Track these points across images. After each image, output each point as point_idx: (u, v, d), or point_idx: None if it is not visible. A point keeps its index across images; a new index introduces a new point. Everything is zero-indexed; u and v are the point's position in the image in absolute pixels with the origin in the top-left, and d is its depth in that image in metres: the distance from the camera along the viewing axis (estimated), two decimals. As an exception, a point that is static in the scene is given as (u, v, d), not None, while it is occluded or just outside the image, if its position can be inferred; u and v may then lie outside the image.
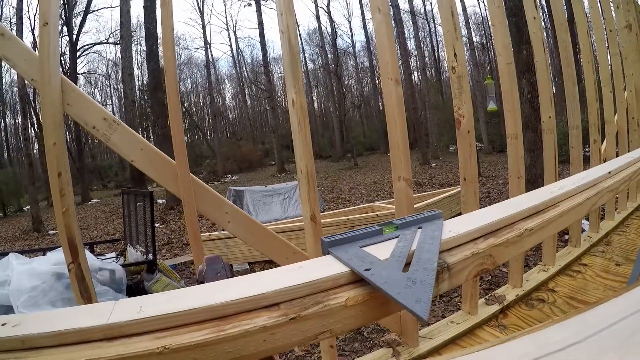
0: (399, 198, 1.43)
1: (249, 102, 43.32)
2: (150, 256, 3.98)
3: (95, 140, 28.80)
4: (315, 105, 41.82)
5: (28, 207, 15.06)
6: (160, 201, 12.81)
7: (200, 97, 42.74)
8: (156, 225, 4.18)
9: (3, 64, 21.80)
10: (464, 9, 28.67)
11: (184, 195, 1.34)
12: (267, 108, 31.88)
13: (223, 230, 3.69)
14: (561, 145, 2.26)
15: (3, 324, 0.50)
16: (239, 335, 0.48)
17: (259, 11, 26.49)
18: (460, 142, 1.68)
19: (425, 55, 33.34)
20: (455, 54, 1.64)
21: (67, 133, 23.23)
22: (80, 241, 1.37)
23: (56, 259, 3.41)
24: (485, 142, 21.33)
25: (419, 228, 0.74)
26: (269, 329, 0.48)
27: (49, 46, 1.29)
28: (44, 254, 3.85)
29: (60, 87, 1.32)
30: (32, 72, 1.33)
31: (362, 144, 31.10)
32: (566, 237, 2.97)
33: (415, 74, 31.63)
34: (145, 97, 26.59)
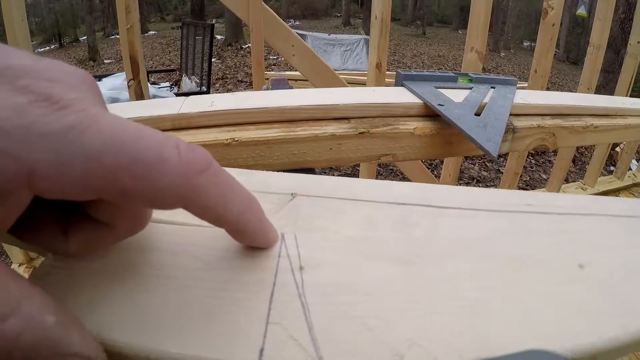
0: (467, 70, 1.36)
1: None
2: (204, 88, 4.01)
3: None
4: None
5: (84, 37, 15.11)
6: (218, 37, 12.54)
7: None
8: (213, 60, 4.14)
9: None
10: None
11: (253, 22, 1.30)
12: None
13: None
14: (636, 80, 2.02)
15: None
16: (307, 139, 0.49)
17: None
18: (542, 33, 1.53)
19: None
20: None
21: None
22: (142, 59, 1.40)
23: (111, 84, 3.52)
24: (561, 48, 19.60)
25: (492, 87, 0.72)
26: (338, 138, 0.49)
27: None
28: (100, 80, 3.97)
29: None
30: None
31: (434, 14, 28.78)
32: (611, 168, 2.87)
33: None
34: None
